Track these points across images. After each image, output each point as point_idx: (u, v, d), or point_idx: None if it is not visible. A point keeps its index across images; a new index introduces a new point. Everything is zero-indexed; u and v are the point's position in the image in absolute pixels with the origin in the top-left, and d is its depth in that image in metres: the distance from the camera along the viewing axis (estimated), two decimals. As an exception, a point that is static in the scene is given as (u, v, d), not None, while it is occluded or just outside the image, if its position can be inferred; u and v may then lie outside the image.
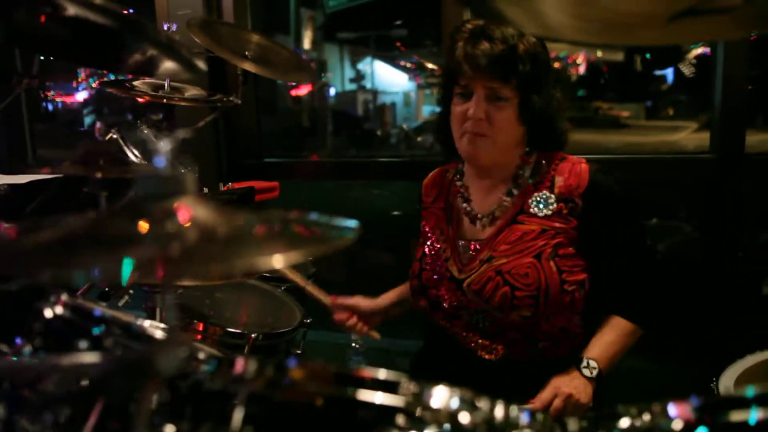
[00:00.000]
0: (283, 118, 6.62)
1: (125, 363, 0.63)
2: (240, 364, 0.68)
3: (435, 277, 1.68)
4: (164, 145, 0.56)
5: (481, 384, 1.58)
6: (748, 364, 1.56)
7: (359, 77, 8.39)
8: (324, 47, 7.99)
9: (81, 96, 6.73)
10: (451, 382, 1.66)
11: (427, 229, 1.77)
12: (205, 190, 2.25)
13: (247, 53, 2.25)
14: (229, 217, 0.62)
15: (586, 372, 1.53)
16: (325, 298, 1.85)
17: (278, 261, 0.57)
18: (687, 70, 3.85)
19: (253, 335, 1.70)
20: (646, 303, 1.63)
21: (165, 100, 2.09)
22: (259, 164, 3.19)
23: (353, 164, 3.44)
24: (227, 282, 1.92)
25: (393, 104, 8.24)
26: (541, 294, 1.52)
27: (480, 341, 1.63)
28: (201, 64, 1.32)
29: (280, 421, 0.66)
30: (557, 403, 1.48)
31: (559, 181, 1.60)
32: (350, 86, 8.30)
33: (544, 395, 1.50)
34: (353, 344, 2.87)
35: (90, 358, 0.62)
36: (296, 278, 1.86)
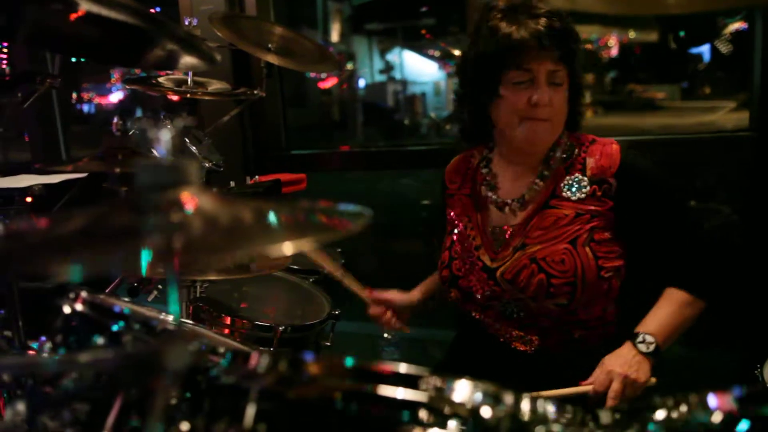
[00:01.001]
0: (313, 111, 6.62)
1: (132, 359, 0.61)
2: (254, 358, 0.66)
3: (466, 266, 1.64)
4: (165, 134, 0.54)
5: (518, 376, 1.56)
6: (794, 350, 1.50)
7: (388, 68, 8.34)
8: (352, 39, 7.97)
9: (115, 97, 6.83)
10: (487, 374, 1.64)
11: (453, 216, 1.73)
12: (232, 183, 2.25)
13: (270, 46, 2.23)
14: (235, 206, 0.59)
15: (642, 347, 1.45)
16: (361, 291, 1.80)
17: (287, 249, 0.55)
18: (724, 47, 3.71)
19: (280, 328, 1.69)
20: (700, 272, 1.55)
21: (188, 95, 2.09)
22: (285, 157, 3.18)
23: (381, 154, 3.41)
24: (254, 275, 1.91)
25: (423, 94, 8.18)
26: (578, 281, 1.48)
27: (514, 333, 1.60)
28: (217, 55, 1.30)
29: (295, 417, 0.64)
30: (616, 386, 1.41)
31: (590, 162, 1.55)
32: (380, 77, 8.26)
33: (600, 379, 1.44)
34: (385, 335, 2.85)
35: (97, 354, 0.60)
36: (332, 269, 1.81)
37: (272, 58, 2.21)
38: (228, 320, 1.72)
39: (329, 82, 6.70)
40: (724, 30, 3.53)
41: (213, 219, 0.55)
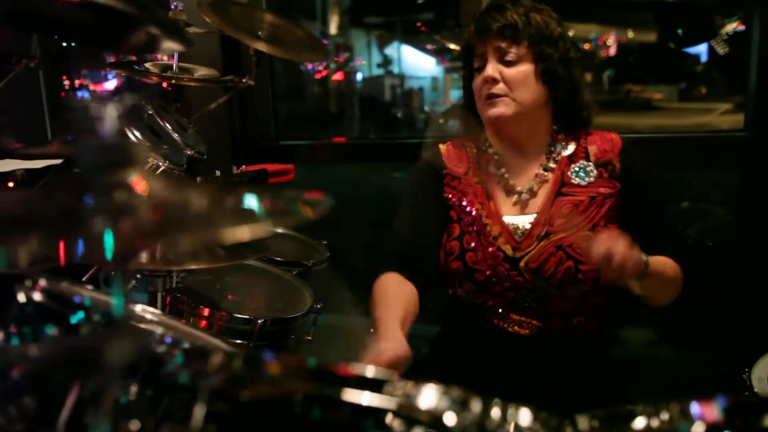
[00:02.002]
0: (310, 102, 6.56)
1: (71, 352, 0.57)
2: (210, 355, 0.62)
3: (483, 257, 1.58)
4: (110, 111, 0.50)
5: (512, 359, 1.54)
6: (783, 355, 1.48)
7: (386, 62, 8.29)
8: (351, 32, 7.92)
9: (111, 84, 6.75)
10: (479, 358, 1.62)
11: (464, 203, 1.64)
12: (217, 172, 2.21)
13: (259, 33, 2.19)
14: (185, 191, 0.55)
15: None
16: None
17: (242, 233, 0.51)
18: (720, 48, 3.68)
19: (260, 321, 1.65)
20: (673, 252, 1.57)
21: (173, 81, 2.04)
22: (275, 147, 3.13)
23: (372, 146, 3.37)
24: (235, 265, 1.87)
25: (420, 89, 8.14)
26: None
27: (516, 317, 1.58)
28: (185, 32, 1.26)
29: (249, 420, 0.60)
30: (620, 248, 1.30)
31: (593, 149, 1.61)
32: (377, 71, 8.21)
33: (605, 239, 1.32)
34: (371, 330, 2.79)
35: (34, 346, 0.56)
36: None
37: (262, 46, 2.17)
38: (206, 312, 1.67)
39: (327, 73, 6.65)
40: (722, 30, 3.50)
41: (158, 203, 0.51)
